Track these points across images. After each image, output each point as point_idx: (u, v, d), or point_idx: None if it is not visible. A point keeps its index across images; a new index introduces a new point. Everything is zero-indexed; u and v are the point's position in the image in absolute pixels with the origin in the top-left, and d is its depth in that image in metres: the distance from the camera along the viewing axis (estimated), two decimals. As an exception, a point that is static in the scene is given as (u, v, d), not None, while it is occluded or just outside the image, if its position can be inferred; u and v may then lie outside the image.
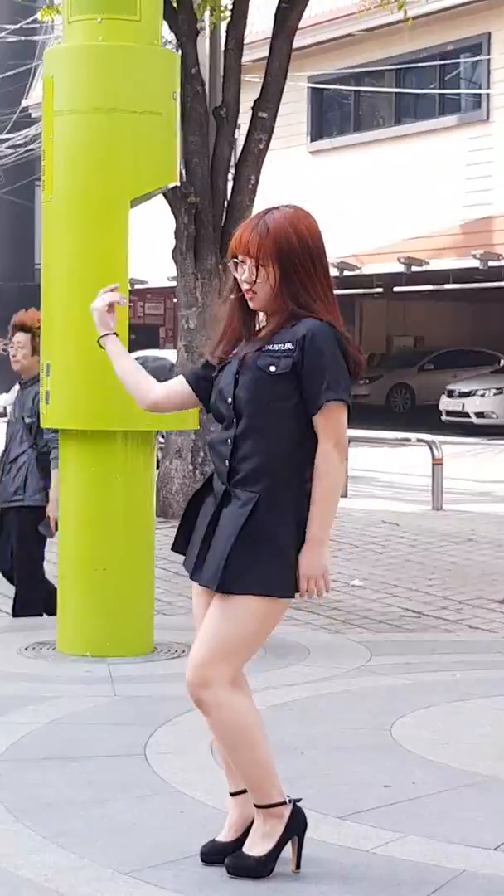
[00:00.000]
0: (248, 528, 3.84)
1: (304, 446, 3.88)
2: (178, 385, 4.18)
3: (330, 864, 4.03)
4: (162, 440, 13.34)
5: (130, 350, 6.84)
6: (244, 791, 4.05)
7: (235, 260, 3.96)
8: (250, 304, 3.97)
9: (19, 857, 4.09)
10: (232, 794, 4.09)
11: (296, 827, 3.99)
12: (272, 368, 3.86)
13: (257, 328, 4.02)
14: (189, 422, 7.16)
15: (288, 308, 3.90)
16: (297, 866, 3.99)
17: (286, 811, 3.97)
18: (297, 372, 3.85)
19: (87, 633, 6.85)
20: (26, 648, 7.04)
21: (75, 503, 6.90)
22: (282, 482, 3.87)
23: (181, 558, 4.17)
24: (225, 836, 4.06)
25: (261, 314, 4.01)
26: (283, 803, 3.98)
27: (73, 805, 4.56)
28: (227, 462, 3.93)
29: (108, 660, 6.72)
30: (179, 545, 4.14)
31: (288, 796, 4.00)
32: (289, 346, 3.86)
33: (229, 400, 3.94)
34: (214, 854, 4.03)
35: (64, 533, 6.99)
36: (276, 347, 3.88)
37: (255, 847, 3.96)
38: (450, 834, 4.31)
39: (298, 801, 4.02)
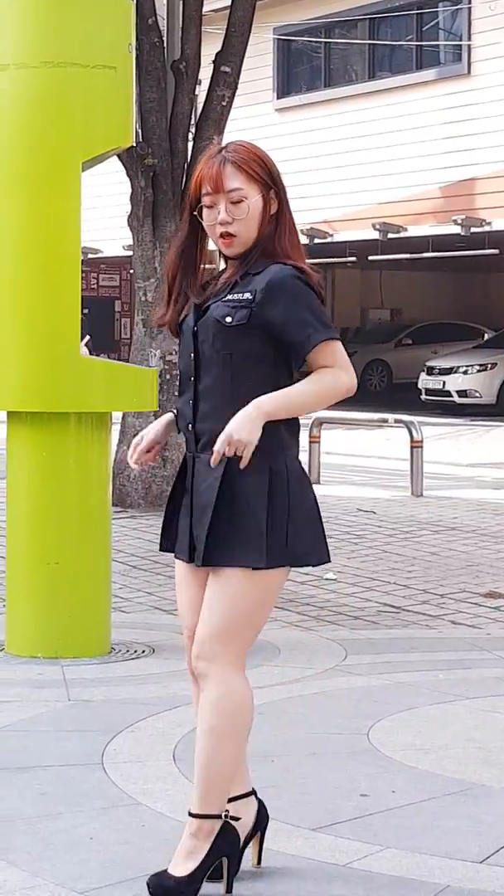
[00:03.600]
0: (223, 494, 3.84)
1: None
2: None
3: (302, 880, 4.04)
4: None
5: (83, 326, 6.85)
6: (242, 796, 4.04)
7: (202, 205, 3.91)
8: (226, 251, 3.93)
9: (-34, 876, 4.08)
10: (227, 801, 4.02)
11: (224, 847, 3.93)
12: (228, 319, 3.87)
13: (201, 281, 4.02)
14: (147, 402, 7.14)
15: (260, 248, 3.89)
16: (228, 889, 3.94)
17: (216, 827, 3.91)
18: (257, 324, 3.84)
19: (38, 632, 6.84)
20: (-28, 650, 7.03)
21: (25, 492, 6.88)
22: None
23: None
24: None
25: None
26: (218, 817, 3.92)
27: (25, 819, 4.55)
28: (190, 426, 3.95)
29: (62, 661, 6.71)
30: (164, 545, 4.14)
31: (226, 811, 3.94)
32: (247, 295, 3.86)
33: (191, 356, 3.95)
34: (218, 869, 3.96)
35: (12, 524, 6.97)
36: (234, 296, 3.89)
37: (179, 866, 3.90)
38: (432, 846, 4.32)
39: (236, 819, 3.97)
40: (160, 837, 4.36)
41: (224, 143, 4.00)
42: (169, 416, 4.15)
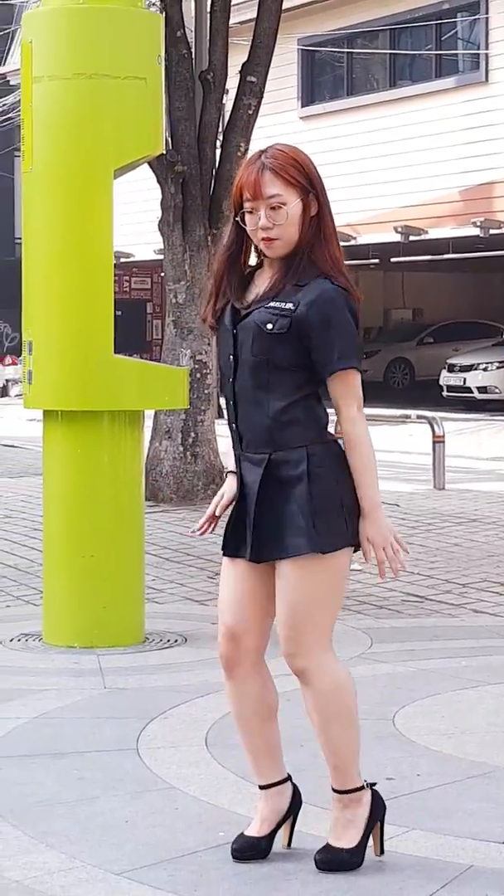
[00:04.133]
0: (267, 488, 3.88)
1: (303, 405, 3.89)
2: None
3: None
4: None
5: (116, 327, 6.85)
6: (276, 783, 4.08)
7: (244, 210, 3.89)
8: (269, 253, 3.90)
9: (6, 858, 4.08)
10: (262, 788, 4.09)
11: (377, 812, 4.04)
12: (269, 326, 3.86)
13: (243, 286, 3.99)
14: (178, 400, 7.13)
15: (304, 254, 3.88)
16: (382, 850, 4.04)
17: (367, 796, 4.02)
18: (296, 334, 3.84)
19: (74, 622, 6.84)
20: (11, 640, 7.03)
21: (61, 487, 6.88)
22: (291, 439, 3.88)
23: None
24: (258, 830, 4.06)
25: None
26: (363, 787, 4.02)
27: (63, 803, 4.55)
28: (234, 426, 3.95)
29: (97, 650, 6.71)
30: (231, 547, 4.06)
31: (365, 780, 4.04)
32: (290, 305, 3.85)
33: (230, 357, 3.94)
34: (250, 850, 4.03)
35: (49, 518, 6.97)
36: (277, 304, 3.87)
37: (343, 838, 3.98)
38: (457, 828, 4.31)
39: (374, 784, 4.08)
40: (193, 820, 4.35)
41: (265, 146, 3.96)
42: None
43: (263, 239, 3.89)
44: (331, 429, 3.97)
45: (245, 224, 3.92)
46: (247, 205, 3.89)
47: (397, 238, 24.16)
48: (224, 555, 4.05)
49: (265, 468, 3.89)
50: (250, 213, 3.90)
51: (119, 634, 6.85)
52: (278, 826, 4.07)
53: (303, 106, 26.74)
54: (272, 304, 3.88)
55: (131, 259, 29.12)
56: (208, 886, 3.88)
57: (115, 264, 6.95)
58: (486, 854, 4.10)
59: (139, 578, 6.99)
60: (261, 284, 3.96)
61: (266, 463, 3.88)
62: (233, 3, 13.09)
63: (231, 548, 4.01)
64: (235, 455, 4.01)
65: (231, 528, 4.01)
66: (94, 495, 6.81)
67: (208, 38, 12.93)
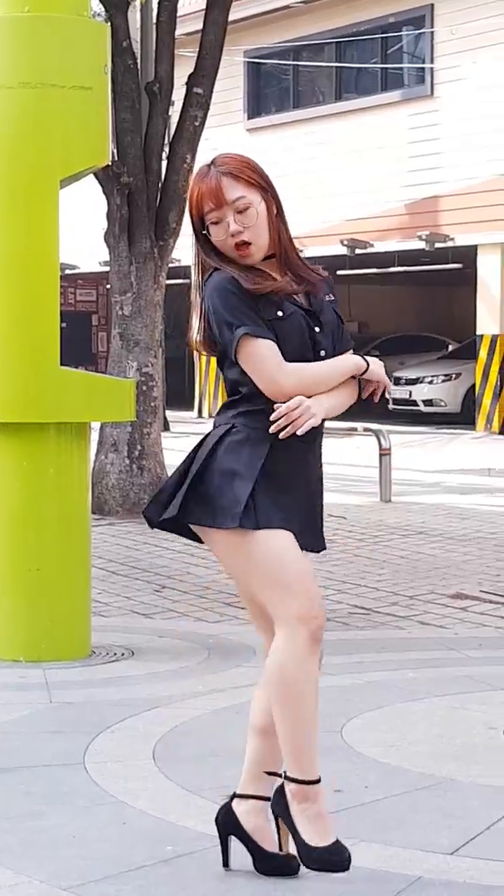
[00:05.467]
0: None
1: None
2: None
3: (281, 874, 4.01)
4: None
5: (61, 339, 6.82)
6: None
7: (209, 223, 3.82)
8: (246, 260, 3.82)
9: (-48, 874, 4.05)
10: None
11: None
12: (340, 322, 4.02)
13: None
14: (125, 412, 7.12)
15: (288, 251, 3.93)
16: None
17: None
18: None
19: (20, 636, 6.80)
20: (-44, 654, 6.98)
21: (6, 500, 6.84)
22: None
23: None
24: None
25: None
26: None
27: (8, 818, 4.52)
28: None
29: (44, 664, 6.67)
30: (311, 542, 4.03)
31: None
32: (331, 296, 4.02)
33: (322, 354, 3.93)
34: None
35: (-6, 532, 6.93)
36: (329, 299, 4.00)
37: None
38: (405, 839, 4.31)
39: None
40: (141, 835, 4.33)
41: (209, 159, 3.92)
42: None
43: (237, 245, 3.80)
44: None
45: (211, 237, 3.83)
46: (212, 216, 3.80)
47: (343, 251, 24.27)
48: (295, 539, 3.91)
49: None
50: (215, 223, 3.81)
51: (65, 648, 6.81)
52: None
53: (249, 118, 26.82)
54: (327, 299, 3.98)
55: (76, 270, 29.07)
56: (156, 901, 3.86)
57: (60, 276, 6.93)
58: (435, 865, 4.10)
59: (85, 592, 6.96)
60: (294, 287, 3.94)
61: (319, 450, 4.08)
62: (178, 14, 13.12)
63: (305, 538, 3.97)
64: (301, 444, 3.95)
65: (304, 518, 3.94)
66: (39, 508, 6.78)
67: (154, 49, 12.94)
